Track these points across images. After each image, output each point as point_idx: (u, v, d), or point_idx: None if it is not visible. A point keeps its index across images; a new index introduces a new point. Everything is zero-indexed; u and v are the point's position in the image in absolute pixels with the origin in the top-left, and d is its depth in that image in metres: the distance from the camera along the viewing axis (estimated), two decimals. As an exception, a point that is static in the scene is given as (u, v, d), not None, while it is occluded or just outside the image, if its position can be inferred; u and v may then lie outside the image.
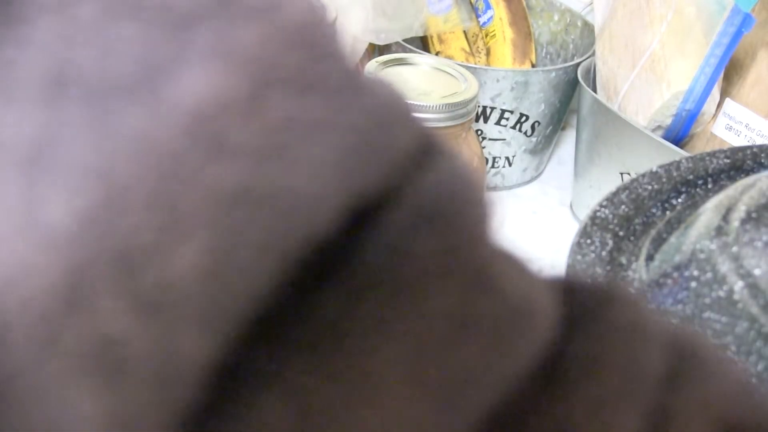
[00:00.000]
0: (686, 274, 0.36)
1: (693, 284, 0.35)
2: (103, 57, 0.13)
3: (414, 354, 0.14)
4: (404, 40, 0.71)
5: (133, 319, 0.12)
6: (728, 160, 0.45)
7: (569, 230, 0.55)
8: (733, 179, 0.44)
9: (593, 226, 0.41)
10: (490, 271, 0.16)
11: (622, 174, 0.65)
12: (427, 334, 0.15)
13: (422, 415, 0.14)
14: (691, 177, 0.44)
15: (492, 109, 0.71)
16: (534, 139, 0.75)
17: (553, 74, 0.71)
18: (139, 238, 0.12)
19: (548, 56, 0.84)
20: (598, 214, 0.41)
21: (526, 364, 0.16)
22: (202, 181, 0.13)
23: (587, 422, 0.16)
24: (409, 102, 0.16)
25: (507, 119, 0.72)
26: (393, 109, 0.15)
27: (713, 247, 0.36)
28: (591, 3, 0.76)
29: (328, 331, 0.14)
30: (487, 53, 0.80)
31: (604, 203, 0.42)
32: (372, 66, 0.56)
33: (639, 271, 0.38)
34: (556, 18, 0.83)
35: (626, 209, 0.42)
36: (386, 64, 0.57)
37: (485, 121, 0.72)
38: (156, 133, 0.13)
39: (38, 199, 0.12)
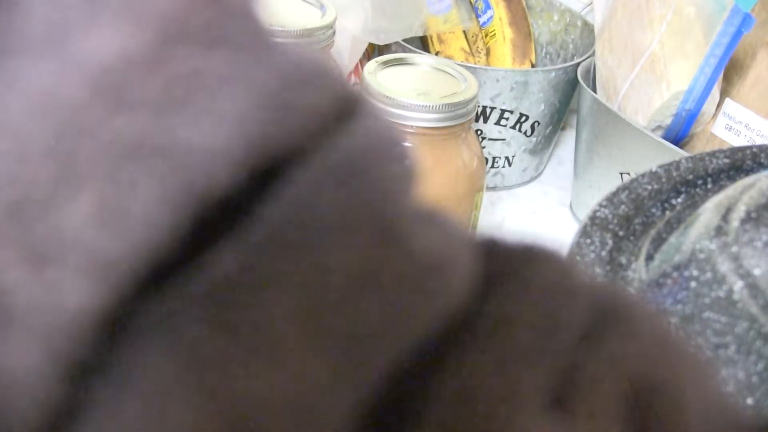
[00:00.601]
0: (686, 274, 0.36)
1: (693, 284, 0.35)
2: (9, 16, 0.13)
3: (312, 308, 0.14)
4: (404, 40, 0.71)
5: (22, 269, 0.12)
6: (728, 160, 0.45)
7: (569, 230, 0.55)
8: (732, 179, 0.44)
9: (593, 226, 0.41)
10: (401, 228, 0.16)
11: (621, 174, 0.65)
12: (326, 289, 0.14)
13: (318, 369, 0.14)
14: (690, 177, 0.44)
15: (492, 109, 0.71)
16: (534, 139, 0.75)
17: (553, 74, 0.71)
18: (34, 189, 0.12)
19: (548, 56, 0.84)
20: (598, 214, 0.41)
21: (433, 322, 0.16)
22: (101, 133, 0.13)
23: (492, 378, 0.16)
24: (330, 64, 0.16)
25: (507, 119, 0.72)
26: (306, 69, 0.15)
27: (713, 247, 0.36)
28: (591, 3, 0.76)
29: (224, 284, 0.14)
30: (487, 53, 0.80)
31: (604, 203, 0.42)
32: (372, 66, 0.56)
33: (639, 271, 0.38)
34: (555, 18, 0.83)
35: (626, 209, 0.42)
36: (386, 64, 0.57)
37: (485, 121, 0.72)
38: (59, 88, 0.13)
39: None
